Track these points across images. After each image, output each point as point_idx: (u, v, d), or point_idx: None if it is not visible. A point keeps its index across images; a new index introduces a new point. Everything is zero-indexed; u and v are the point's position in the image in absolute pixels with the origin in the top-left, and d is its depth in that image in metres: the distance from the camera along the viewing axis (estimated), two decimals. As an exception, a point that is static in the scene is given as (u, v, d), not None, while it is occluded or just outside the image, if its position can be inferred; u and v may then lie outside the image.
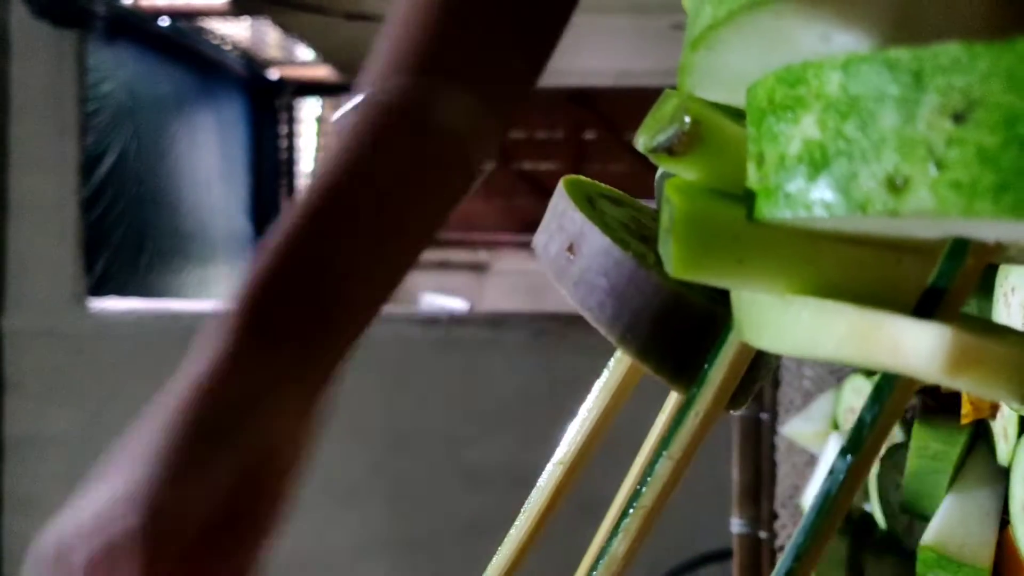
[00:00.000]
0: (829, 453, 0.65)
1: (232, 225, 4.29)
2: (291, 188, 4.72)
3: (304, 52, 4.36)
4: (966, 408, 0.47)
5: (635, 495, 0.29)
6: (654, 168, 0.33)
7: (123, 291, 3.11)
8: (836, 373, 0.74)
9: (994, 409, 0.45)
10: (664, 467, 0.29)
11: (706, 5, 0.23)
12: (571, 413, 0.36)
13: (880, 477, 0.54)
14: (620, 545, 0.29)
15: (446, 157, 0.50)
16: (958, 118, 0.18)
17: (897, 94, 0.18)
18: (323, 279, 0.45)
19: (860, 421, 0.23)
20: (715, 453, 0.74)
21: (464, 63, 0.51)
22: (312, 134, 4.89)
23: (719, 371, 0.28)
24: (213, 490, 0.39)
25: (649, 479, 0.29)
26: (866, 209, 0.19)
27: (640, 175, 0.46)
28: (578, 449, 0.35)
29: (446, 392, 2.65)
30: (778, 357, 0.33)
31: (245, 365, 0.42)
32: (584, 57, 3.80)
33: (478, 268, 5.05)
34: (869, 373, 0.58)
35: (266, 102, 4.66)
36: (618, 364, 0.34)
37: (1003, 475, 0.42)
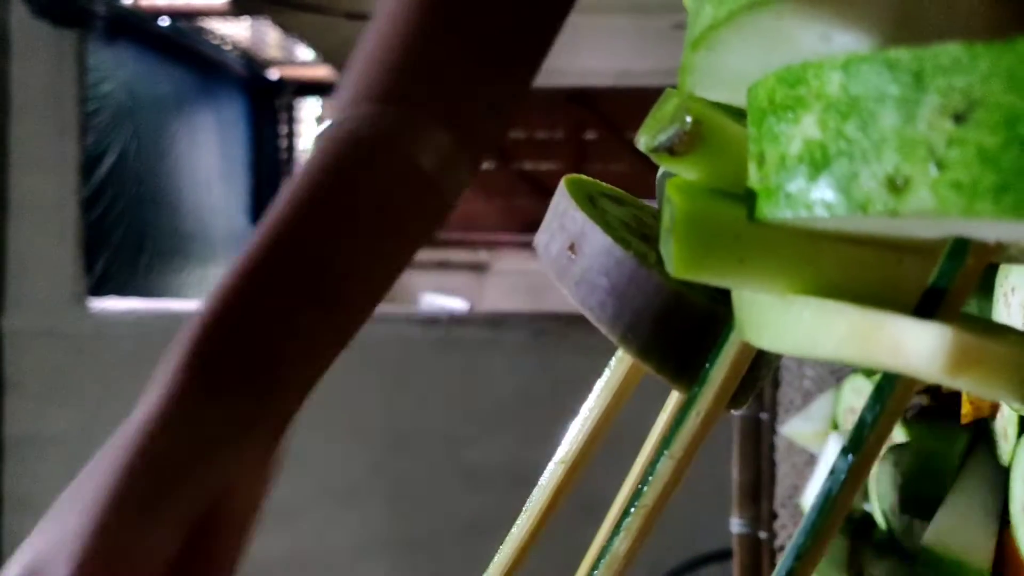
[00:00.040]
0: (829, 453, 0.65)
1: (232, 225, 4.29)
2: (291, 188, 4.72)
3: (304, 52, 4.36)
4: (966, 408, 0.47)
5: (636, 494, 0.29)
6: (655, 168, 0.33)
7: (123, 291, 3.11)
8: (836, 373, 0.74)
9: (994, 409, 0.45)
10: (665, 466, 0.29)
11: (706, 5, 0.23)
12: (571, 413, 0.36)
13: (880, 477, 0.54)
14: (621, 544, 0.29)
15: (415, 191, 0.47)
16: (958, 118, 0.18)
17: (897, 94, 0.18)
18: (278, 320, 0.43)
19: (861, 421, 0.23)
20: (715, 453, 0.74)
21: (436, 94, 0.49)
22: (312, 134, 4.90)
23: (720, 371, 0.28)
24: (160, 541, 0.38)
25: (650, 478, 0.29)
26: (867, 209, 0.19)
27: (641, 175, 0.46)
28: (580, 448, 0.35)
29: (446, 392, 2.65)
30: (779, 357, 0.33)
31: (193, 412, 0.40)
32: (584, 57, 3.80)
33: (478, 268, 5.05)
34: (869, 373, 0.59)
35: (266, 102, 4.66)
36: (619, 363, 0.34)
37: (1003, 475, 0.42)
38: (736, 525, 0.83)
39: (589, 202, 0.32)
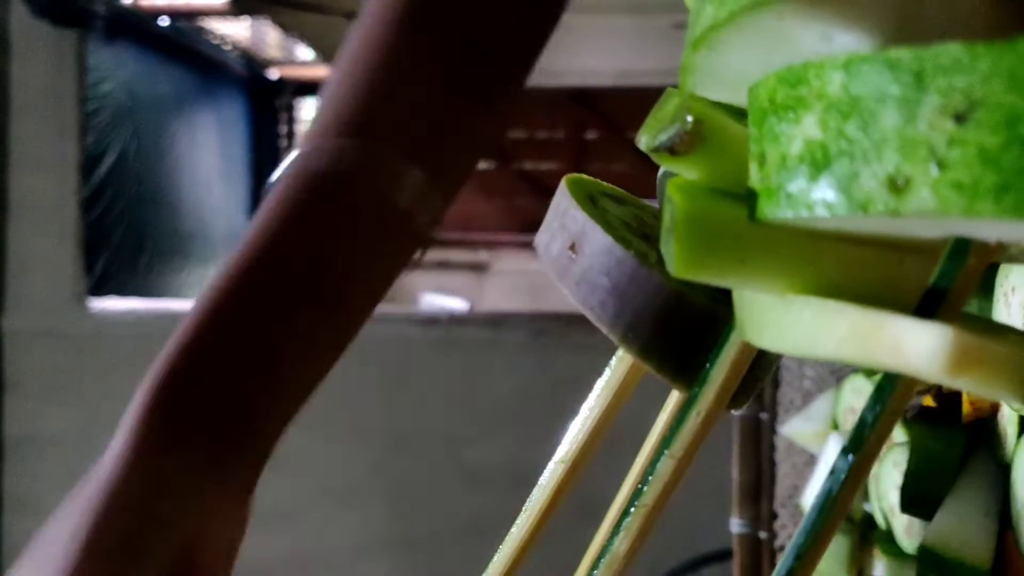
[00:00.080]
0: (829, 453, 0.65)
1: (232, 225, 4.29)
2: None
3: (304, 52, 4.36)
4: (966, 408, 0.47)
5: (636, 494, 0.29)
6: (656, 168, 0.33)
7: (123, 291, 3.11)
8: (836, 373, 0.74)
9: (994, 409, 0.45)
10: (666, 466, 0.29)
11: (707, 5, 0.23)
12: (571, 413, 0.36)
13: (880, 477, 0.54)
14: (621, 544, 0.29)
15: (390, 229, 0.46)
16: (959, 118, 0.18)
17: (898, 94, 0.18)
18: (246, 364, 0.42)
19: (861, 421, 0.23)
20: (715, 453, 0.74)
21: (406, 129, 0.47)
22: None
23: (721, 370, 0.28)
24: None
25: (650, 478, 0.29)
26: (867, 209, 0.19)
27: (641, 175, 0.46)
28: (580, 448, 0.35)
29: (446, 392, 2.65)
30: (779, 357, 0.33)
31: (159, 462, 0.39)
32: (584, 57, 3.80)
33: (478, 268, 5.05)
34: (869, 373, 0.59)
35: (266, 102, 4.66)
36: (620, 363, 0.34)
37: (1003, 475, 0.42)
38: (736, 525, 0.83)
39: (590, 202, 0.32)
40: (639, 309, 0.30)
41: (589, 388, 0.35)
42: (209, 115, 4.22)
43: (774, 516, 0.81)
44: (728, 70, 0.25)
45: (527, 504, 0.35)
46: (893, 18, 0.22)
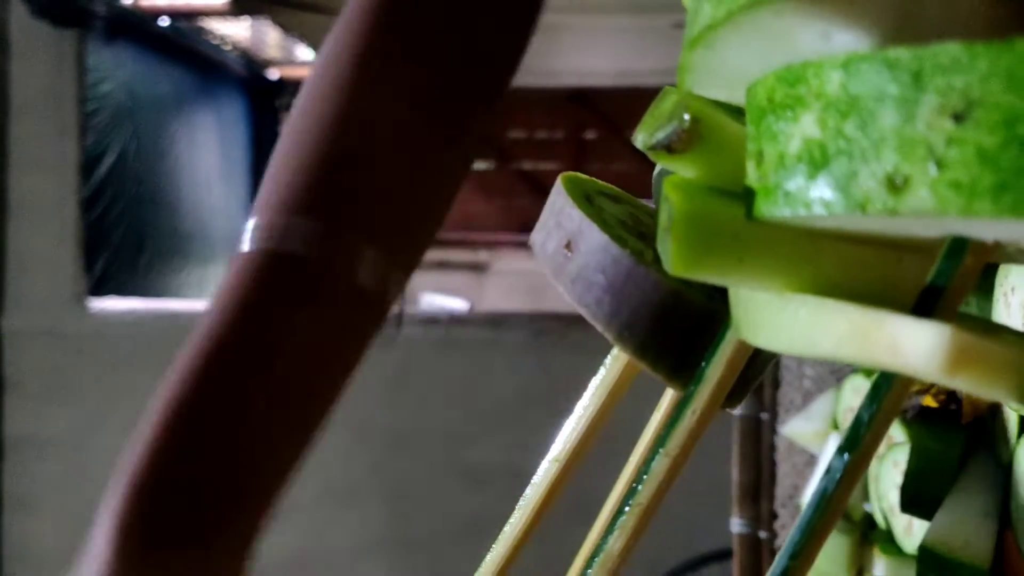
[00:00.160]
0: (829, 453, 0.65)
1: (232, 225, 4.29)
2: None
3: (304, 52, 4.36)
4: (966, 408, 0.47)
5: (631, 493, 0.29)
6: (654, 167, 0.33)
7: (123, 291, 3.12)
8: (836, 373, 0.74)
9: (994, 409, 0.45)
10: (661, 465, 0.29)
11: (705, 4, 0.23)
12: (570, 413, 0.36)
13: (880, 477, 0.54)
14: (616, 542, 0.29)
15: (347, 306, 0.45)
16: (958, 118, 0.18)
17: (897, 93, 0.18)
18: (217, 459, 0.41)
19: (857, 419, 0.23)
20: (715, 453, 0.74)
21: (363, 212, 0.45)
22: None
23: (716, 369, 0.28)
24: None
25: (645, 477, 0.29)
26: (866, 208, 0.19)
27: (641, 174, 0.46)
28: (574, 446, 0.35)
29: (446, 392, 2.65)
30: (775, 356, 0.33)
31: None
32: (584, 57, 3.80)
33: (478, 268, 5.05)
34: (869, 373, 0.58)
35: (266, 102, 4.66)
36: (614, 361, 0.34)
37: (1003, 475, 0.42)
38: (736, 525, 0.83)
39: (586, 200, 0.32)
40: (636, 307, 0.30)
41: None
42: (209, 115, 4.22)
43: (774, 516, 0.81)
44: (726, 69, 0.25)
45: (520, 502, 0.35)
46: (892, 17, 0.22)
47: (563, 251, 0.31)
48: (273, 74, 4.66)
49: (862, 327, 0.20)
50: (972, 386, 0.18)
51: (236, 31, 4.17)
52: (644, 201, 0.37)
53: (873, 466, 0.54)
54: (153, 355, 2.70)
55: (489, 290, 4.93)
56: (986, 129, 0.17)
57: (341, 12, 0.49)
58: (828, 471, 0.23)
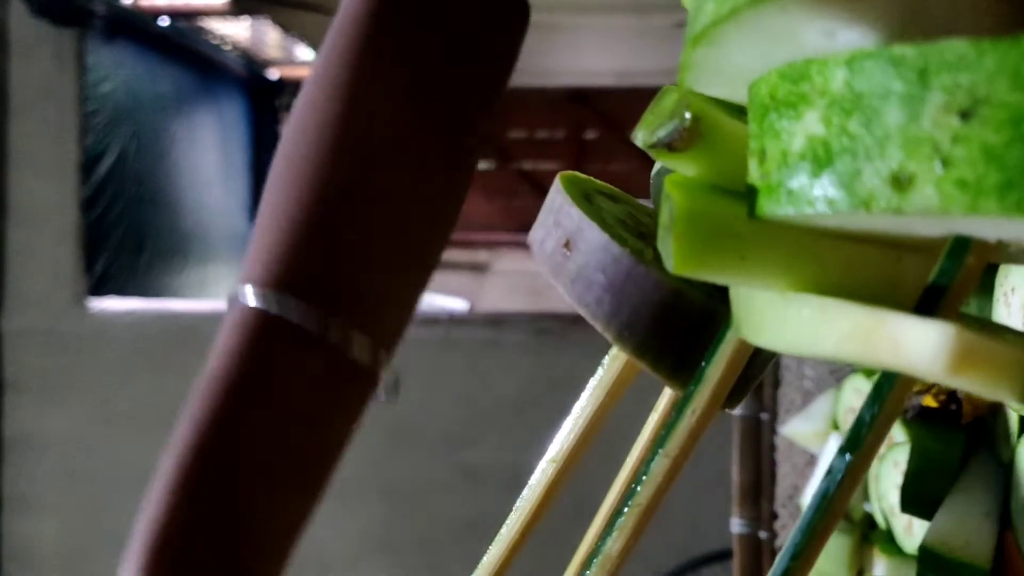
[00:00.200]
0: (829, 453, 0.65)
1: (232, 225, 4.29)
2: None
3: (304, 52, 4.36)
4: (966, 408, 0.47)
5: (630, 493, 0.29)
6: (654, 166, 0.33)
7: (123, 291, 3.12)
8: (836, 373, 0.74)
9: (994, 409, 0.45)
10: (660, 465, 0.28)
11: (708, 2, 0.23)
12: (571, 412, 0.36)
13: (880, 477, 0.54)
14: (615, 543, 0.29)
15: (339, 378, 0.46)
16: (964, 116, 0.18)
17: (902, 91, 0.18)
18: (227, 534, 0.42)
19: (859, 420, 0.23)
20: (715, 453, 0.74)
21: (349, 297, 0.46)
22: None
23: (717, 368, 0.28)
24: None
25: (644, 477, 0.29)
26: (870, 206, 0.19)
27: (641, 174, 0.46)
28: (571, 447, 0.34)
29: (446, 392, 2.65)
30: (775, 355, 0.33)
31: None
32: (584, 57, 3.80)
33: (478, 268, 5.05)
34: (870, 373, 0.58)
35: (266, 102, 4.66)
36: (613, 361, 0.34)
37: (1003, 475, 0.42)
38: (736, 525, 0.83)
39: (585, 199, 0.32)
40: (636, 306, 0.29)
41: (589, 388, 0.35)
42: (209, 115, 4.22)
43: (774, 516, 0.81)
44: (728, 66, 0.25)
45: (517, 504, 0.35)
46: (897, 14, 0.22)
47: (562, 250, 0.31)
48: (273, 74, 4.66)
49: (864, 326, 0.20)
50: (975, 386, 0.18)
51: (236, 31, 4.17)
52: (643, 201, 0.37)
53: (873, 466, 0.54)
54: (153, 355, 2.70)
55: (489, 290, 4.93)
56: (992, 127, 0.17)
57: (332, 19, 0.49)
58: (829, 472, 0.23)
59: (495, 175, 4.91)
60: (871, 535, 0.58)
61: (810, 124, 0.20)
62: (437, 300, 4.06)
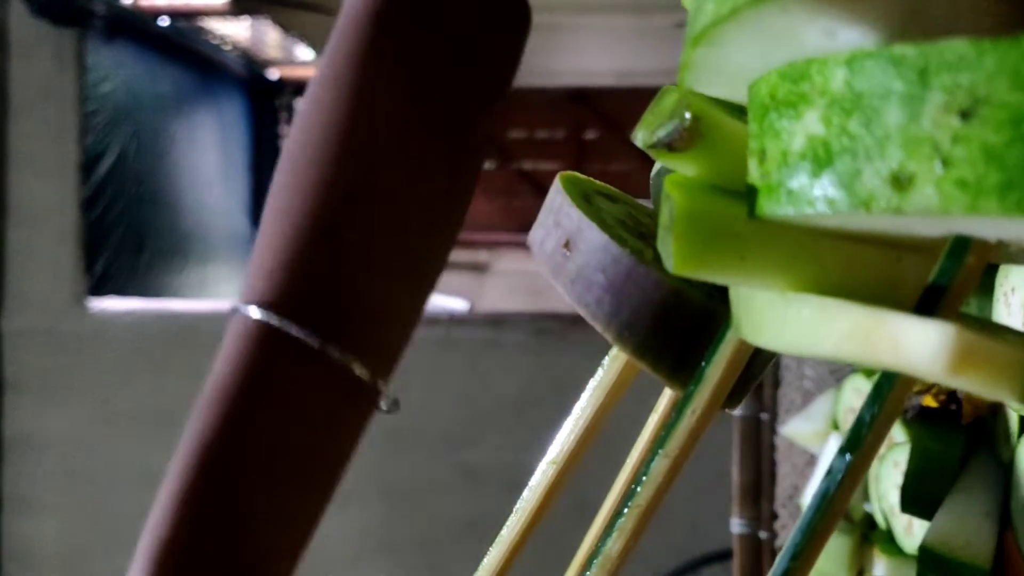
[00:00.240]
0: (829, 453, 0.65)
1: (232, 225, 4.29)
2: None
3: (304, 52, 4.36)
4: (966, 408, 0.47)
5: (630, 494, 0.29)
6: (654, 166, 0.32)
7: (123, 291, 3.12)
8: (836, 373, 0.74)
9: (994, 409, 0.45)
10: (660, 465, 0.28)
11: (708, 1, 0.23)
12: (571, 413, 0.36)
13: (880, 477, 0.54)
14: (615, 544, 0.29)
15: (342, 395, 0.46)
16: (964, 115, 0.18)
17: (902, 91, 0.18)
18: (233, 538, 0.43)
19: (859, 420, 0.23)
20: (715, 453, 0.74)
21: (350, 327, 0.46)
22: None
23: (717, 369, 0.28)
24: None
25: (644, 478, 0.29)
26: (870, 206, 0.19)
27: (641, 174, 0.46)
28: (571, 449, 0.34)
29: (446, 392, 2.65)
30: (774, 355, 0.33)
31: None
32: (584, 57, 3.80)
33: (478, 268, 5.05)
34: (870, 373, 0.58)
35: (266, 102, 4.66)
36: (613, 362, 0.34)
37: (1003, 475, 0.42)
38: (736, 525, 0.83)
39: (584, 199, 0.32)
40: (636, 306, 0.29)
41: (589, 389, 0.35)
42: (209, 115, 4.22)
43: (774, 516, 0.81)
44: (728, 66, 0.25)
45: (518, 505, 0.35)
46: (898, 14, 0.22)
47: (562, 250, 0.31)
48: (273, 74, 4.66)
49: (864, 326, 0.20)
50: (975, 386, 0.18)
51: (236, 31, 4.17)
52: (643, 201, 0.37)
53: (873, 466, 0.54)
54: (153, 355, 2.70)
55: (489, 290, 4.93)
56: (992, 127, 0.17)
57: (333, 19, 0.49)
58: (830, 472, 0.23)
59: (495, 175, 4.91)
60: (871, 535, 0.58)
61: (810, 124, 0.20)
62: (437, 300, 4.06)
